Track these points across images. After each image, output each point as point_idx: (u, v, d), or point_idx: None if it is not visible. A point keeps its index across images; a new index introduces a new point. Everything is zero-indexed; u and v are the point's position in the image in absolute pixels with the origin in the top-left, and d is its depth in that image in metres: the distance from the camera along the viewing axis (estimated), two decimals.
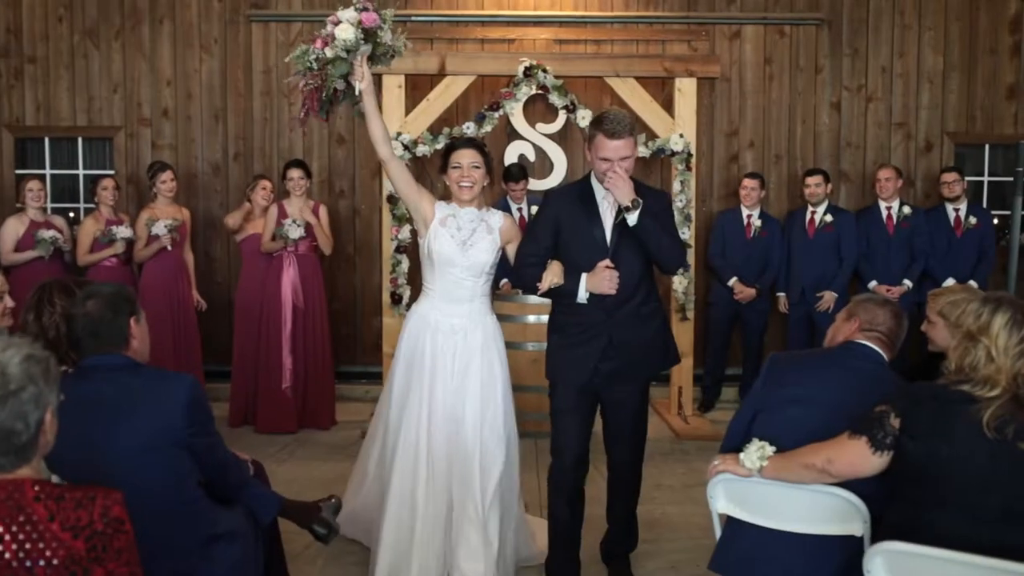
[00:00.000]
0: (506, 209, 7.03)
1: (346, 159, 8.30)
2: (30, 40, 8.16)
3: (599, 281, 3.94)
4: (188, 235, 7.35)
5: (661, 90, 7.49)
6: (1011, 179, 7.73)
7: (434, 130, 7.12)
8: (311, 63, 3.92)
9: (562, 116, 7.45)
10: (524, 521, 4.53)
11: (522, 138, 7.82)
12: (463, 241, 4.12)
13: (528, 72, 7.17)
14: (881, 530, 2.70)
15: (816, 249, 7.52)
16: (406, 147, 7.00)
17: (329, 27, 3.90)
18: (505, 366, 4.26)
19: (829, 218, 7.54)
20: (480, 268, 4.16)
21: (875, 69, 8.28)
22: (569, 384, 4.09)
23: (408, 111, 7.14)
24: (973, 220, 7.58)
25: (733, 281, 7.55)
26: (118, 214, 7.29)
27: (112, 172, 8.08)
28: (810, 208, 7.60)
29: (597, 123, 3.93)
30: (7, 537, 1.93)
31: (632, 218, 3.89)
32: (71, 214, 8.17)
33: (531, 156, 7.82)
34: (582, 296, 3.98)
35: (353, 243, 8.32)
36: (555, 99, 7.19)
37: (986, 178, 8.43)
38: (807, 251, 7.54)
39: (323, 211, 7.29)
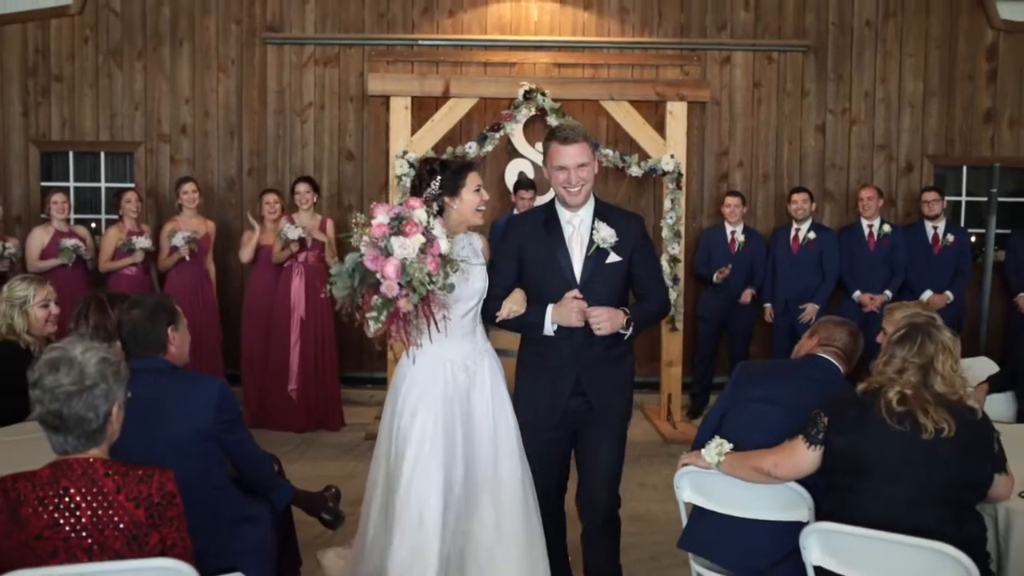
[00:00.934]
0: (511, 221, 7.16)
1: (354, 175, 8.72)
2: (57, 60, 8.60)
3: (566, 313, 3.63)
4: (211, 246, 7.80)
5: (654, 112, 7.92)
6: (987, 199, 8.15)
7: (438, 149, 7.56)
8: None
9: None
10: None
11: (521, 156, 8.27)
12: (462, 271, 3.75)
13: (528, 95, 7.62)
14: (818, 515, 3.12)
15: (800, 264, 7.94)
16: (412, 165, 7.43)
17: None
18: (503, 379, 3.93)
19: (812, 235, 7.96)
20: (479, 296, 3.82)
21: (858, 94, 8.71)
22: (539, 425, 3.80)
23: (414, 131, 7.58)
24: (951, 238, 7.99)
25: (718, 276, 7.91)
26: (140, 225, 7.74)
27: (133, 185, 8.51)
28: (795, 225, 8.02)
29: (550, 135, 3.78)
30: (83, 505, 2.36)
31: (628, 332, 3.68)
32: (93, 225, 8.59)
33: (530, 174, 8.25)
34: (548, 328, 3.71)
35: None
36: (553, 120, 7.62)
37: (964, 198, 8.84)
38: (791, 266, 7.96)
39: (330, 225, 7.73)
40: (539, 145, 8.11)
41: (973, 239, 8.39)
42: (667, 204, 7.66)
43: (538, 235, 3.81)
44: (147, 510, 2.41)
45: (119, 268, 7.55)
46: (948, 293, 7.82)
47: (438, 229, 3.48)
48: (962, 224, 8.63)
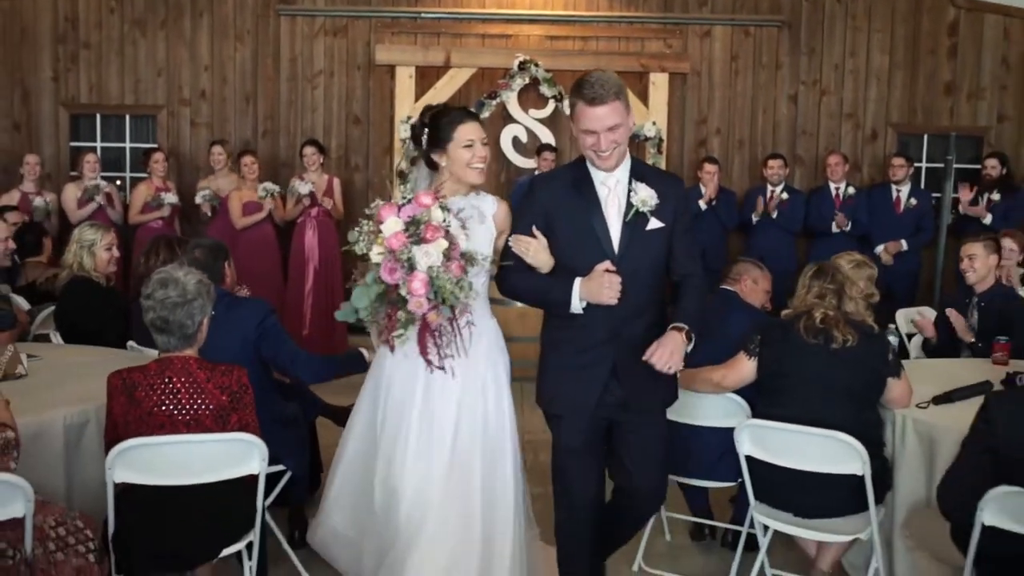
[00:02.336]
0: (535, 180, 7.51)
1: (360, 138, 9.40)
2: (85, 29, 9.25)
3: (596, 288, 3.16)
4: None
5: (639, 82, 8.64)
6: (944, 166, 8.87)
7: None
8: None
9: (551, 104, 8.61)
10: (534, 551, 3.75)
11: (516, 122, 8.97)
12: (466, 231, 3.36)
13: (522, 66, 8.35)
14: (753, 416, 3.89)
15: (772, 222, 8.65)
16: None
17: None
18: (508, 374, 3.60)
19: (785, 196, 8.69)
20: (480, 259, 3.40)
21: (829, 66, 9.41)
22: (573, 414, 3.35)
23: (417, 98, 8.29)
24: (913, 201, 8.70)
25: None
26: (166, 183, 8.45)
27: (156, 146, 9.19)
28: (769, 187, 8.74)
29: (576, 90, 3.19)
30: (182, 390, 3.11)
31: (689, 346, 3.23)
32: (117, 182, 9.27)
33: (523, 138, 8.96)
34: (576, 306, 3.21)
35: None
36: (545, 89, 8.36)
37: (924, 164, 9.57)
38: (765, 223, 8.66)
39: (336, 183, 8.47)
40: (532, 111, 8.87)
41: (934, 203, 9.11)
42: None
43: (568, 197, 3.29)
44: (229, 396, 3.17)
45: (147, 221, 8.26)
46: (903, 241, 8.52)
47: (454, 224, 3.20)
48: (922, 187, 9.36)
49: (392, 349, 3.35)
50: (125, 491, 3.12)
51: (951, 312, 5.25)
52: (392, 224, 3.11)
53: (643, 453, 3.40)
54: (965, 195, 8.43)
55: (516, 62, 8.36)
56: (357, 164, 9.38)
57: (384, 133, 9.22)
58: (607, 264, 3.19)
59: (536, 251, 3.26)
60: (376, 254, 3.14)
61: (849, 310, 3.79)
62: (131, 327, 4.75)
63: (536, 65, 8.37)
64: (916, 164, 9.40)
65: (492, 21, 9.19)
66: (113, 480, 3.06)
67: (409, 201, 3.17)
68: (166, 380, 3.11)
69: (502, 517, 3.43)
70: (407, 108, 8.23)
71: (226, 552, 3.23)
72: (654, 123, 8.32)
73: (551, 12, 9.22)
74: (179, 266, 3.24)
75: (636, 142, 8.60)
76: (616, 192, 3.28)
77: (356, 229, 3.20)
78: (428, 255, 3.10)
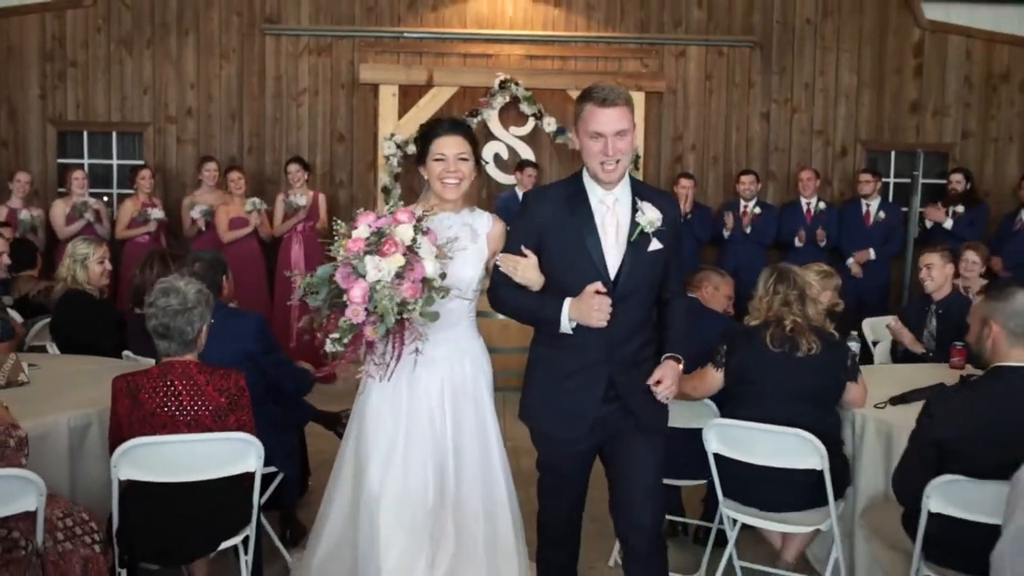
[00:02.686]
0: (514, 202, 7.68)
1: (345, 154, 9.61)
2: (72, 47, 9.43)
3: (586, 310, 3.06)
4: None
5: None
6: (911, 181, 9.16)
7: None
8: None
9: (531, 122, 8.86)
10: None
11: (497, 139, 9.20)
12: (444, 262, 3.23)
13: (503, 84, 8.59)
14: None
15: (746, 236, 8.91)
16: (399, 146, 8.36)
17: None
18: (492, 396, 3.56)
19: (758, 210, 8.96)
20: (465, 286, 3.39)
21: (799, 85, 9.70)
22: (563, 438, 3.24)
23: (400, 115, 8.52)
24: (883, 215, 9.00)
25: None
26: (152, 199, 8.63)
27: (143, 162, 9.36)
28: (742, 202, 9.00)
29: (585, 95, 3.11)
30: (183, 392, 3.31)
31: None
32: (104, 198, 9.43)
33: (504, 155, 9.19)
34: (565, 326, 3.11)
35: None
36: (525, 108, 8.61)
37: (892, 179, 9.87)
38: (737, 237, 8.93)
39: (322, 199, 8.68)
40: (513, 129, 9.10)
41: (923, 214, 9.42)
42: None
43: (562, 214, 3.17)
44: (227, 398, 3.37)
45: (134, 236, 8.43)
46: (871, 249, 8.80)
47: (425, 248, 3.10)
48: (891, 201, 9.65)
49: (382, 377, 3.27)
50: (129, 487, 3.31)
51: (892, 323, 5.55)
52: (361, 230, 3.10)
53: (643, 478, 3.22)
54: (938, 215, 8.71)
55: (497, 81, 8.62)
56: (341, 180, 9.58)
57: (368, 150, 9.43)
58: (598, 285, 3.07)
59: (524, 270, 3.17)
60: (340, 255, 3.11)
61: (811, 314, 4.02)
62: (127, 337, 4.94)
63: (516, 84, 8.63)
64: (884, 179, 9.69)
65: (473, 41, 9.43)
66: (118, 477, 3.25)
67: (391, 214, 3.17)
68: (168, 383, 3.30)
69: (503, 548, 3.44)
70: (390, 126, 8.46)
71: (224, 545, 3.42)
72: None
73: (531, 32, 9.47)
74: (179, 276, 3.44)
75: None
76: (615, 211, 3.15)
77: (334, 229, 3.17)
78: (379, 268, 3.02)
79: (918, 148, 9.26)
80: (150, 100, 9.52)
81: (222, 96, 9.55)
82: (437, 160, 3.35)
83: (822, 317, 4.12)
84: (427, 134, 3.39)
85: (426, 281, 3.09)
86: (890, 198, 9.79)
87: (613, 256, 3.15)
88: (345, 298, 3.06)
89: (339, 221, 3.17)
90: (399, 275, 3.04)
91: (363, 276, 3.04)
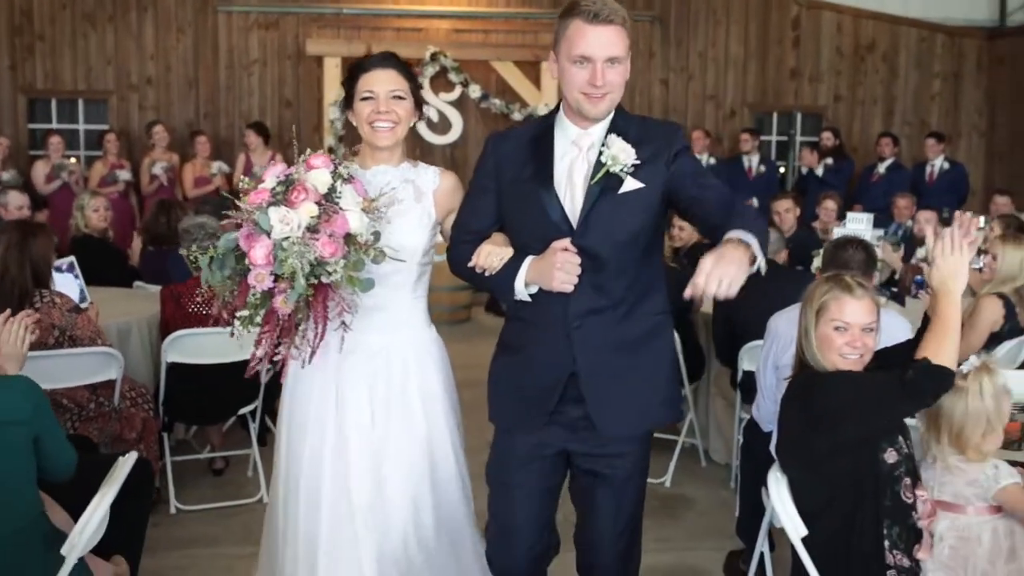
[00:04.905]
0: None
1: (292, 118, 10.67)
2: (39, 22, 10.35)
3: (544, 270, 2.42)
4: (177, 176, 9.79)
5: (533, 70, 10.16)
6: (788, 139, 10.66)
7: None
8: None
9: (458, 89, 10.11)
10: None
11: (428, 104, 10.41)
12: (375, 216, 2.61)
13: (433, 56, 9.81)
14: None
15: None
16: (343, 111, 9.51)
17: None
18: (454, 399, 2.88)
19: None
20: (408, 256, 2.72)
21: (694, 55, 11.08)
22: (515, 430, 2.63)
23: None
24: (763, 168, 10.43)
25: None
26: (120, 160, 9.67)
27: (108, 127, 10.35)
28: None
29: (571, 9, 2.45)
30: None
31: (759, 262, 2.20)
32: (73, 160, 10.39)
33: (435, 118, 10.41)
34: (520, 290, 2.49)
35: None
36: (453, 77, 9.84)
37: (774, 137, 11.34)
38: None
39: (279, 159, 9.75)
40: (442, 95, 10.33)
41: (782, 170, 10.89)
42: None
43: (520, 159, 2.57)
44: None
45: (104, 195, 9.44)
46: (754, 199, 10.21)
47: (348, 198, 2.51)
48: (772, 158, 11.12)
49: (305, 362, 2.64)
50: (171, 369, 4.51)
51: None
52: (268, 181, 2.52)
53: (605, 512, 2.60)
54: (811, 160, 10.14)
55: (428, 53, 9.83)
56: (289, 139, 10.64)
57: (312, 113, 10.55)
58: (565, 242, 2.40)
59: (496, 250, 2.51)
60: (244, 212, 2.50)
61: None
62: (130, 271, 6.06)
63: (445, 56, 9.85)
64: (766, 137, 11.14)
65: (406, 16, 10.58)
66: (166, 360, 4.46)
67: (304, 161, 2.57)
68: (198, 293, 4.51)
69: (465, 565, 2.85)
70: (334, 94, 9.61)
71: (241, 411, 4.67)
72: (546, 104, 9.84)
73: (457, 8, 10.64)
74: (200, 215, 4.63)
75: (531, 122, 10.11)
76: (587, 154, 2.49)
77: (240, 188, 2.60)
78: (285, 221, 2.41)
79: (795, 110, 10.74)
80: (113, 70, 10.50)
81: (179, 67, 10.56)
82: (365, 99, 2.68)
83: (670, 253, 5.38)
84: (353, 70, 2.73)
85: (350, 238, 2.47)
86: (773, 154, 11.26)
87: (576, 204, 2.47)
88: (248, 263, 2.44)
89: (244, 178, 2.64)
90: (312, 229, 2.44)
91: (267, 233, 2.42)
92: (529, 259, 2.48)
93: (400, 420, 2.79)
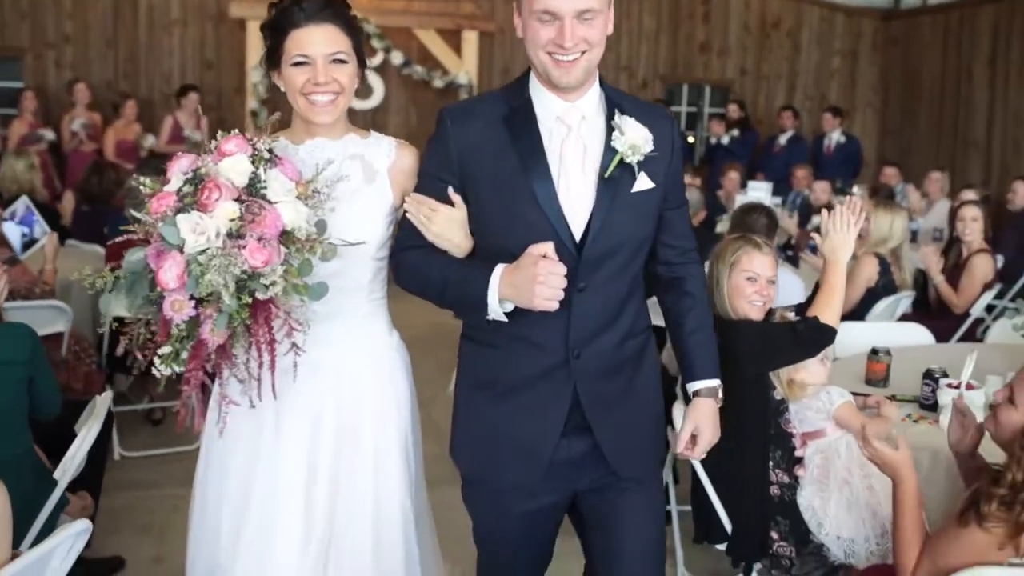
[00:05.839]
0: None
1: (214, 79, 10.77)
2: None
3: (524, 282, 1.92)
4: (99, 134, 9.81)
5: (455, 38, 10.43)
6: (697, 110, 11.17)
7: None
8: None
9: (380, 55, 10.33)
10: None
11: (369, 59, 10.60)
12: (316, 202, 2.07)
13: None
14: None
15: None
16: (267, 73, 9.64)
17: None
18: (414, 420, 2.40)
19: None
20: (362, 250, 2.21)
21: None
22: (504, 493, 2.16)
23: None
24: None
25: None
26: (37, 119, 9.65)
27: (23, 85, 10.28)
28: None
29: None
30: None
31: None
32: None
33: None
34: (493, 307, 1.98)
35: None
36: (375, 43, 10.04)
37: (684, 108, 11.84)
38: None
39: (204, 122, 9.88)
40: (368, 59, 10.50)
41: (691, 140, 11.41)
42: None
43: (493, 144, 2.06)
44: None
45: (31, 153, 9.45)
46: None
47: (277, 185, 2.00)
48: (683, 129, 11.61)
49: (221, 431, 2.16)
50: (116, 322, 4.73)
51: None
52: (173, 181, 2.01)
53: (635, 548, 2.17)
54: (718, 129, 10.65)
55: None
56: (210, 104, 10.77)
57: (233, 75, 10.63)
58: (546, 247, 1.93)
59: (444, 224, 2.08)
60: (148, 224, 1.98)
61: None
62: (68, 230, 6.22)
63: (368, 22, 10.02)
64: (676, 108, 11.61)
65: None
66: (111, 315, 4.67)
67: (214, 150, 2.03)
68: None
69: None
70: (257, 56, 9.71)
71: None
72: (466, 72, 10.17)
73: None
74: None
75: (452, 89, 10.40)
76: (579, 132, 2.05)
77: (140, 188, 2.07)
78: (197, 230, 1.91)
79: (704, 83, 11.24)
80: (28, 26, 10.39)
81: (98, 24, 10.51)
82: (298, 64, 2.14)
83: None
84: (278, 24, 2.16)
85: (288, 236, 1.98)
86: (683, 125, 11.76)
87: (579, 202, 2.03)
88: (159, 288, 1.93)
89: (141, 179, 2.07)
90: (234, 234, 1.94)
91: (178, 248, 1.92)
92: (500, 268, 1.97)
93: (347, 483, 2.25)
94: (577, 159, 2.05)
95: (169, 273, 1.91)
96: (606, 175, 2.03)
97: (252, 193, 1.99)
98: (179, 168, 2.03)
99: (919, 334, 4.14)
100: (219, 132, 2.07)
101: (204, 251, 1.91)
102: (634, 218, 2.08)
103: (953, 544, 2.12)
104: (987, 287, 5.09)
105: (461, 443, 2.22)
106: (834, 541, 2.81)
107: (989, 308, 5.30)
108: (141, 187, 2.04)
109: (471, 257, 2.11)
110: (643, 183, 2.06)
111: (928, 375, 3.17)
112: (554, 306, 1.93)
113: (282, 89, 2.23)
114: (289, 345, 2.04)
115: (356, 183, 2.22)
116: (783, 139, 10.44)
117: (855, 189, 7.61)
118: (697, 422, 2.18)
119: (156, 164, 5.84)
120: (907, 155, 10.80)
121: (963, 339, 4.85)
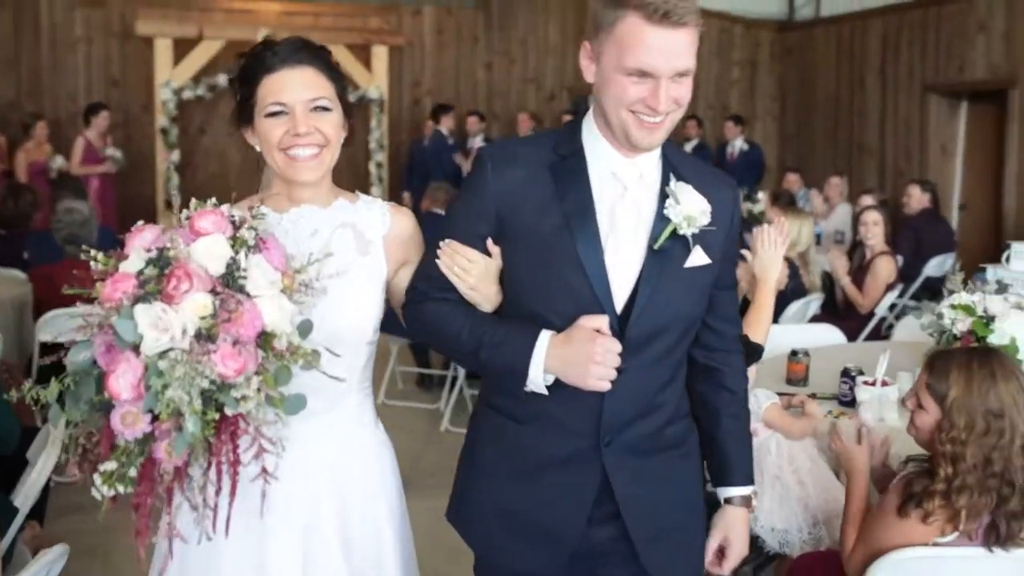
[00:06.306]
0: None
1: (120, 98, 10.62)
2: None
3: (578, 358, 1.74)
4: (4, 155, 9.60)
5: (364, 53, 10.50)
6: None
7: (197, 80, 9.80)
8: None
9: None
10: None
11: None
12: (304, 284, 1.73)
13: (265, 38, 9.96)
14: None
15: None
16: (175, 92, 9.62)
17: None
18: (404, 520, 2.09)
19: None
20: (353, 338, 1.94)
21: (517, 41, 11.70)
22: (523, 573, 1.95)
23: (175, 64, 9.75)
24: None
25: None
26: None
27: None
28: (470, 138, 10.90)
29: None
30: (86, 280, 4.76)
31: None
32: None
33: None
34: (535, 378, 1.78)
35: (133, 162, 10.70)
36: None
37: None
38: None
39: (109, 141, 9.76)
40: None
41: None
42: (373, 123, 10.39)
43: (538, 195, 1.82)
44: None
45: None
46: None
47: (259, 276, 1.65)
48: None
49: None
50: (44, 347, 4.71)
51: None
52: (133, 260, 1.66)
53: None
54: None
55: (260, 35, 9.96)
56: (117, 121, 10.62)
57: (141, 93, 10.50)
58: (600, 321, 1.76)
59: (481, 277, 1.86)
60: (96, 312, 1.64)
61: None
62: None
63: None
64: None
65: None
66: (39, 340, 4.66)
67: (183, 224, 1.68)
68: (74, 273, 4.72)
69: None
70: (166, 74, 9.69)
71: None
72: (377, 87, 10.27)
73: None
74: (73, 200, 4.83)
75: (362, 104, 10.47)
76: (634, 194, 1.83)
77: (92, 265, 1.70)
78: (161, 326, 1.56)
79: None
80: None
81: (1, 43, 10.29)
82: (274, 114, 1.86)
83: None
84: (249, 69, 1.89)
85: (267, 339, 1.64)
86: None
87: (624, 272, 1.82)
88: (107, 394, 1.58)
89: (93, 253, 1.71)
90: (205, 335, 1.59)
91: (134, 346, 1.57)
92: (547, 335, 1.77)
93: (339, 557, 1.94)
94: (630, 223, 1.81)
95: (122, 380, 1.55)
96: (656, 246, 1.80)
97: (229, 284, 1.63)
98: (140, 243, 1.67)
99: (832, 334, 4.40)
100: (192, 201, 1.69)
101: (166, 353, 1.55)
102: (684, 295, 1.85)
103: (891, 531, 2.32)
104: (890, 287, 5.42)
105: (477, 523, 1.98)
106: (769, 533, 2.99)
107: (892, 307, 5.64)
108: (92, 262, 1.69)
109: (498, 313, 1.88)
110: (698, 258, 1.83)
111: (845, 373, 3.38)
112: (607, 386, 1.75)
113: (257, 149, 1.91)
114: (259, 469, 1.65)
115: (349, 257, 1.91)
116: (688, 147, 10.74)
117: (760, 195, 7.94)
118: (727, 532, 1.98)
119: (75, 186, 5.84)
120: (805, 161, 11.25)
121: (870, 338, 5.16)
